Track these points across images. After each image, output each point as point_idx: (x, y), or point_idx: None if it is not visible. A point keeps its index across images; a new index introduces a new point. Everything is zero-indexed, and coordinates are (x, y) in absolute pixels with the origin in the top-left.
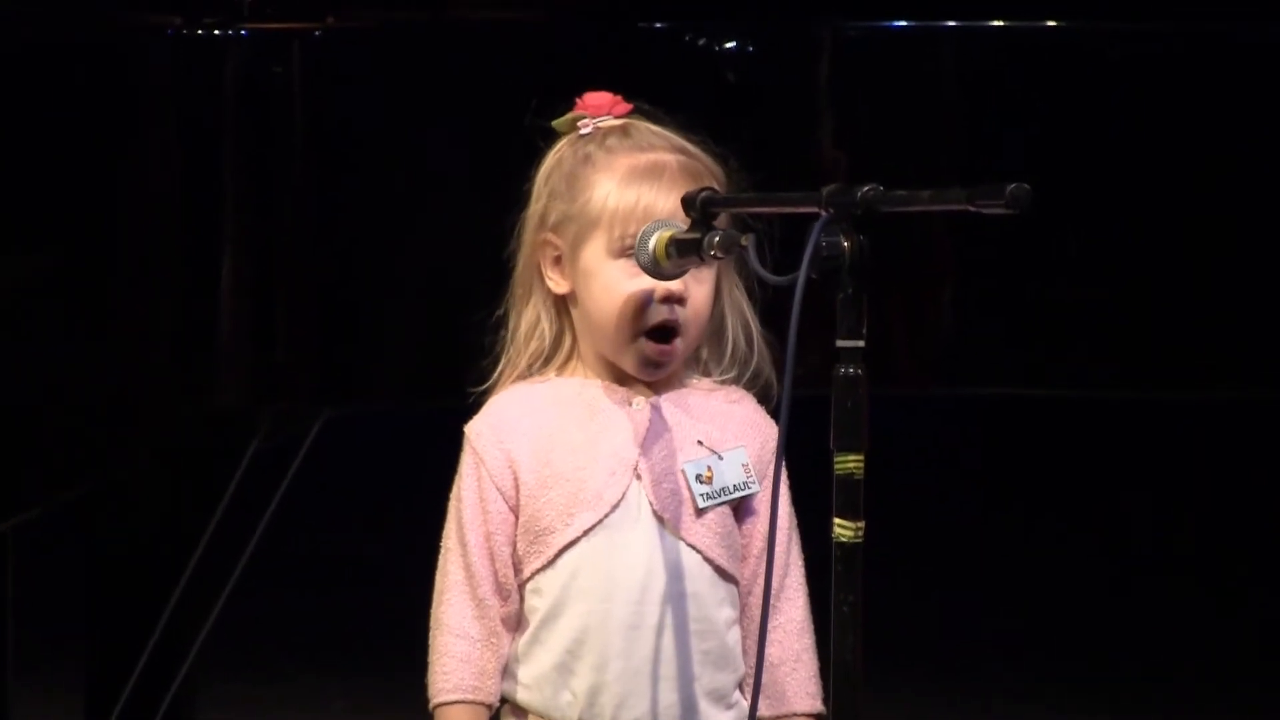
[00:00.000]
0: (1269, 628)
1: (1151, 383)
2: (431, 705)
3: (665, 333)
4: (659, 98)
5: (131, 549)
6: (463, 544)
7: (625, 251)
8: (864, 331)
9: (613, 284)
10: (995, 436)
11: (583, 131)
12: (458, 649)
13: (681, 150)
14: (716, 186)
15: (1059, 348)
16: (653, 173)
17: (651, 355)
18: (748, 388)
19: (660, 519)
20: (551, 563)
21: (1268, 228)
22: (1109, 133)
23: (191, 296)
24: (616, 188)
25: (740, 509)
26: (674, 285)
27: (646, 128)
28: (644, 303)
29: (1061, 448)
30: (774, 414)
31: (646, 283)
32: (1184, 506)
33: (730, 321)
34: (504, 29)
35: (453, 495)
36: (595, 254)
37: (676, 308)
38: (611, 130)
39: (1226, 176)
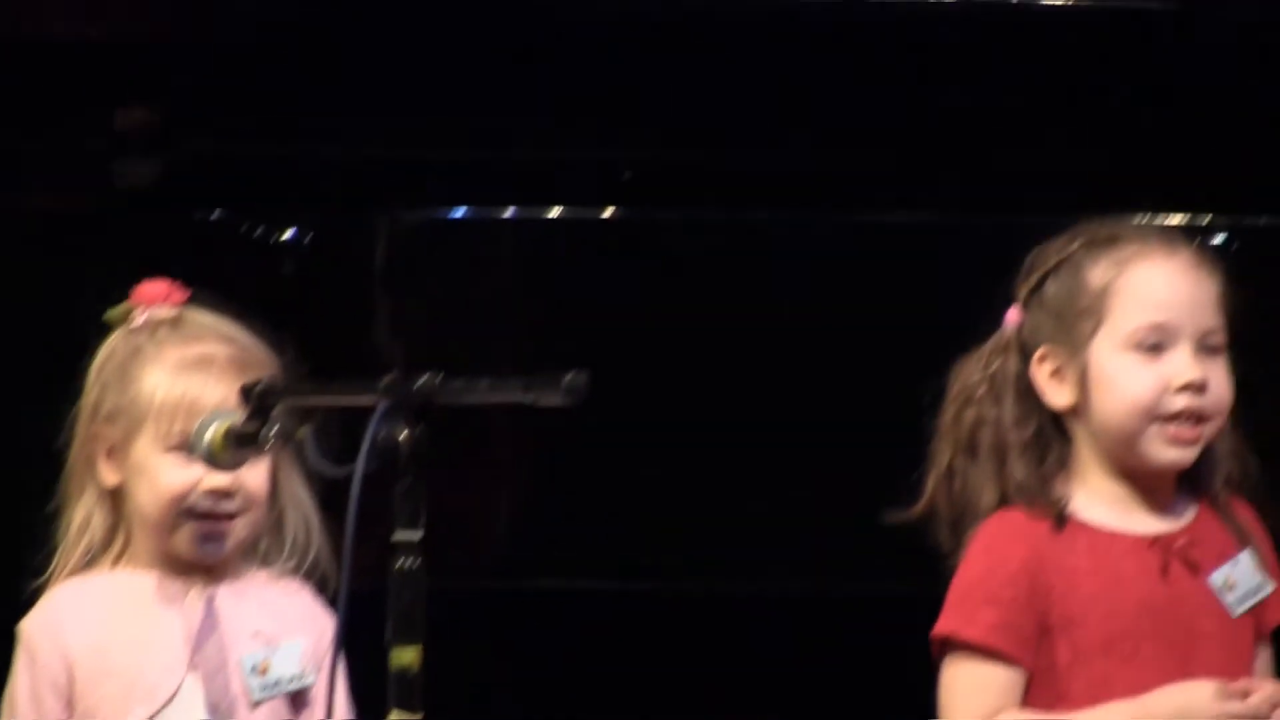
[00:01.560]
0: None
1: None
2: None
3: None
4: (219, 287)
5: None
6: None
7: (175, 445)
8: (423, 522)
9: (159, 476)
10: (566, 631)
11: (134, 324)
12: None
13: (231, 340)
14: (271, 376)
15: (625, 537)
16: (201, 365)
17: (203, 531)
18: (307, 578)
19: (215, 712)
20: None
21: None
22: (669, 322)
23: None
24: (165, 380)
25: (297, 701)
26: (221, 480)
27: (198, 318)
28: (188, 495)
29: (631, 643)
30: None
31: (193, 475)
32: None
33: (289, 512)
34: (59, 217)
35: (5, 694)
36: (145, 447)
37: (222, 501)
38: (163, 321)
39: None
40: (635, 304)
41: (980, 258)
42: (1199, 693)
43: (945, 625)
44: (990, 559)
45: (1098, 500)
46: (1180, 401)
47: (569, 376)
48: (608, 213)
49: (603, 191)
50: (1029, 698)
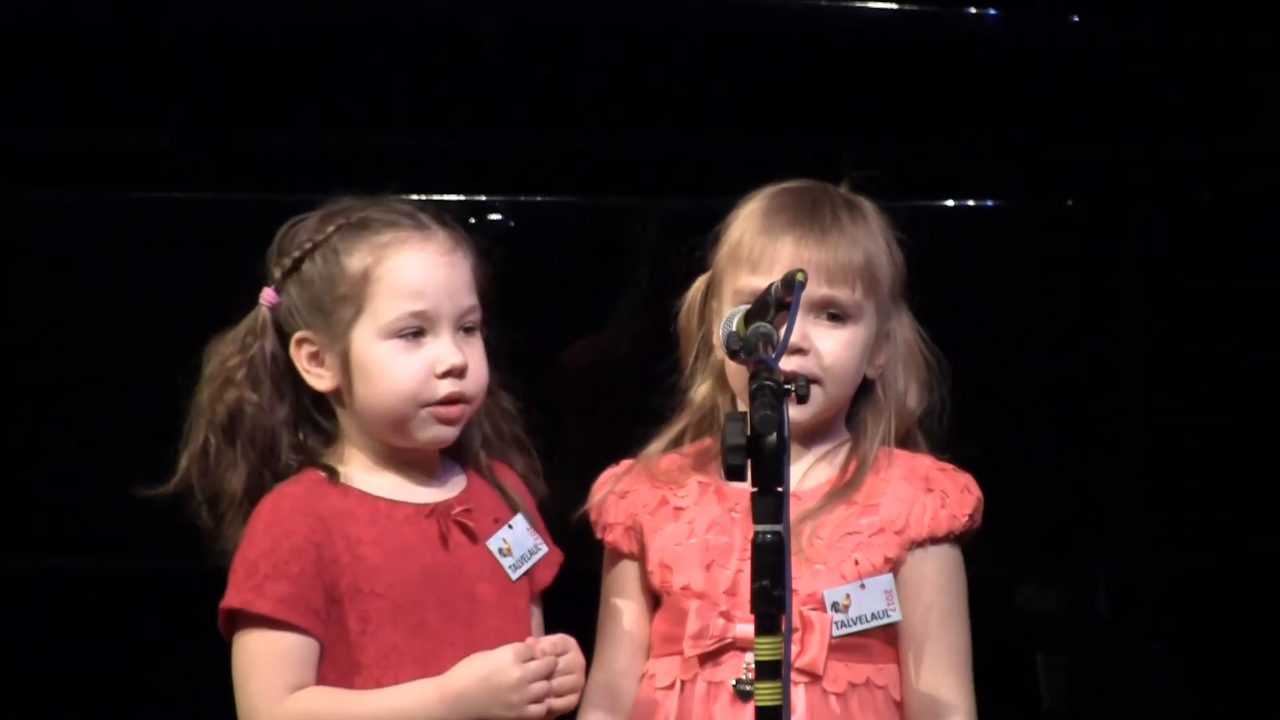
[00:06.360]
0: None
1: None
2: None
3: None
4: None
5: None
6: None
7: None
8: None
9: None
10: None
11: None
12: None
13: None
14: None
15: None
16: None
17: None
18: None
19: None
20: None
21: None
22: None
23: None
24: None
25: None
26: None
27: None
28: None
29: None
30: None
31: None
32: None
33: None
34: None
35: None
36: None
37: None
38: None
39: None
40: None
41: (236, 235)
42: (498, 658)
43: (234, 599)
44: (275, 533)
45: (373, 473)
46: (444, 387)
47: None
48: None
49: None
50: (324, 668)
